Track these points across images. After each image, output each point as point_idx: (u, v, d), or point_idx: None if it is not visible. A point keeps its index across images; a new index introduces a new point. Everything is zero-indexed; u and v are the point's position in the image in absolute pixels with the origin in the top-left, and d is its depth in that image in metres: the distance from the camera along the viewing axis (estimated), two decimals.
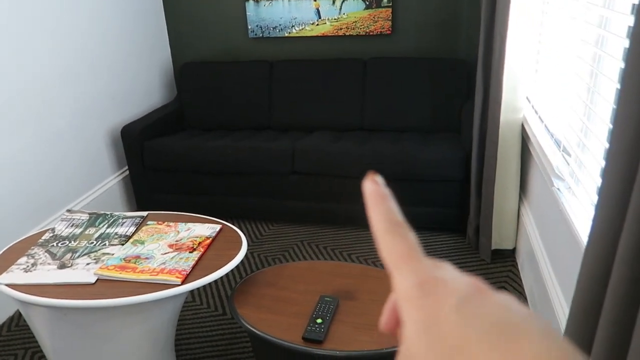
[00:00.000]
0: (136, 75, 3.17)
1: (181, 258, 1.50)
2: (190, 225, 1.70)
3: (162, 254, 1.53)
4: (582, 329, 0.88)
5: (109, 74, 2.90)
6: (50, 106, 2.44)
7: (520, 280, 2.28)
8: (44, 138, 2.40)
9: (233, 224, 2.84)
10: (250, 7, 3.28)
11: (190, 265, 1.46)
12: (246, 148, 2.74)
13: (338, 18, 3.20)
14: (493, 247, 2.48)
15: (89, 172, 2.76)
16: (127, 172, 3.09)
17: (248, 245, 2.66)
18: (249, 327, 1.39)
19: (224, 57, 3.47)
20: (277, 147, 2.71)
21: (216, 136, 3.04)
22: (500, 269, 2.37)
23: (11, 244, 1.64)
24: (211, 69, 3.28)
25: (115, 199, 2.97)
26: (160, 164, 2.85)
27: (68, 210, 1.81)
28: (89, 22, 2.70)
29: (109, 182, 2.93)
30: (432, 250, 2.54)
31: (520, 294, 2.18)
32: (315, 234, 2.76)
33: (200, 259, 1.51)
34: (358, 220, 2.73)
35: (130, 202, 3.11)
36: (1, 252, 1.59)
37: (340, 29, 3.22)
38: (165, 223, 1.72)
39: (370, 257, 2.50)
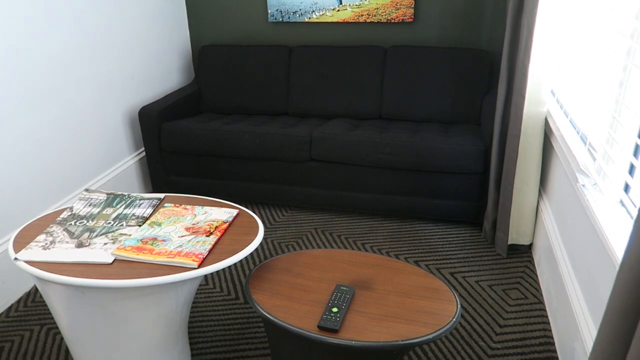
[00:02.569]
0: (155, 57, 3.16)
1: (198, 241, 1.49)
2: (207, 209, 1.69)
3: (179, 236, 1.52)
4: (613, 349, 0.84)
5: (129, 55, 2.89)
6: (70, 84, 2.44)
7: (537, 276, 2.25)
8: (64, 115, 2.41)
9: (247, 209, 2.84)
10: None
11: (207, 249, 1.45)
12: (264, 133, 2.72)
13: (360, 4, 3.15)
14: (509, 242, 2.44)
15: (107, 152, 2.77)
16: (144, 153, 3.10)
17: None
18: (264, 313, 1.39)
19: (242, 41, 3.44)
20: (295, 133, 2.69)
21: (233, 120, 3.03)
22: (516, 264, 2.34)
23: (30, 221, 1.65)
24: (230, 52, 3.26)
25: (131, 180, 2.98)
26: (176, 146, 2.85)
27: (86, 190, 1.81)
28: (112, 5, 2.69)
29: (126, 162, 2.94)
30: (447, 243, 2.51)
31: (537, 291, 2.15)
32: (330, 221, 2.74)
33: (216, 243, 1.50)
34: (373, 209, 2.71)
35: (145, 183, 3.12)
36: (20, 229, 1.60)
37: (362, 15, 3.17)
38: (183, 206, 1.71)
39: (384, 247, 2.49)
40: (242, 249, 1.47)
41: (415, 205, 2.63)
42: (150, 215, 1.67)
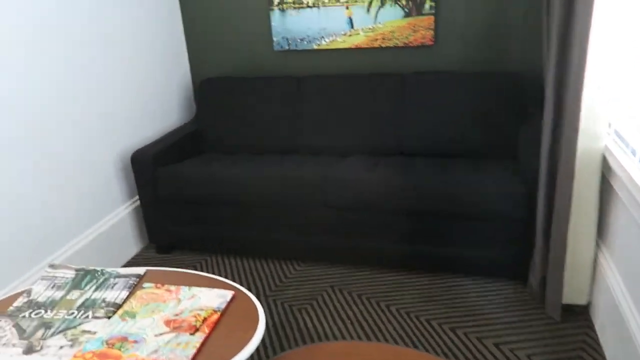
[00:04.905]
0: (152, 93, 2.87)
1: (179, 343, 1.15)
2: (195, 290, 1.36)
3: (155, 335, 1.19)
4: None
5: (122, 92, 2.61)
6: (53, 129, 2.15)
7: (599, 346, 1.86)
8: (45, 165, 2.11)
9: (255, 263, 2.49)
10: (275, 16, 2.96)
11: (190, 355, 1.11)
12: (271, 177, 2.39)
13: (373, 28, 2.85)
14: (563, 302, 2.06)
15: (96, 203, 2.46)
16: (139, 202, 2.79)
17: (270, 290, 2.31)
18: None
19: (246, 73, 3.16)
20: (306, 175, 2.36)
21: (238, 161, 2.71)
22: (574, 329, 1.95)
23: None
24: (233, 85, 2.97)
25: (125, 233, 2.67)
26: (174, 193, 2.54)
27: (51, 266, 1.49)
28: (100, 34, 2.41)
29: (118, 213, 2.63)
30: (488, 303, 2.13)
31: None
32: (349, 276, 2.39)
33: (204, 343, 1.16)
34: (398, 261, 2.34)
35: (142, 235, 2.80)
36: None
37: (376, 39, 2.86)
38: (165, 287, 1.38)
39: (413, 309, 2.11)
40: (237, 353, 1.13)
41: (448, 257, 2.26)
42: (125, 300, 1.34)
